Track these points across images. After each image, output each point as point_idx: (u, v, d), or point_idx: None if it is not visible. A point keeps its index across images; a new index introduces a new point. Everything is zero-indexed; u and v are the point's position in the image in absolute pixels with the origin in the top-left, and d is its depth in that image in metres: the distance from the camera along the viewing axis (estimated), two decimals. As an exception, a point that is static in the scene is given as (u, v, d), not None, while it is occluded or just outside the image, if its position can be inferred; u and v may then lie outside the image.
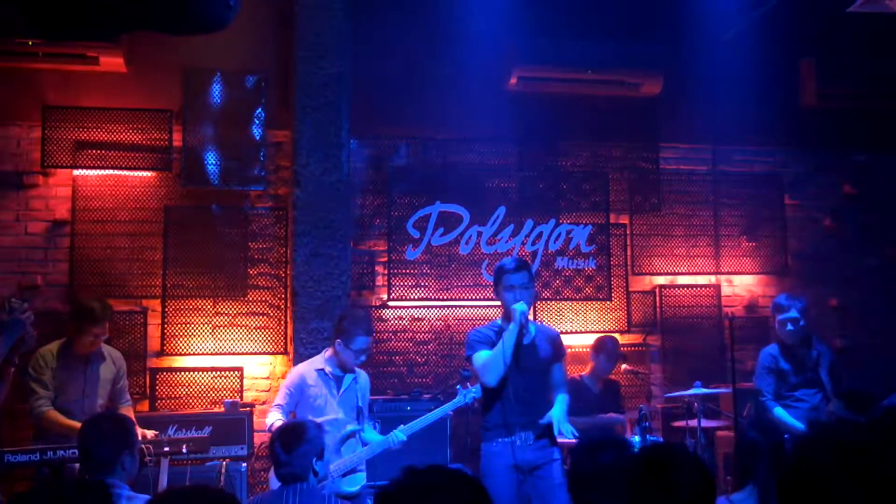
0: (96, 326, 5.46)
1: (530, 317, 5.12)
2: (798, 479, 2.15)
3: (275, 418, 5.22)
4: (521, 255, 7.41)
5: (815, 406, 5.89)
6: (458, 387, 5.55)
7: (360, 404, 5.36)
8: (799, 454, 2.21)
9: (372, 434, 5.51)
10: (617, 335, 7.43)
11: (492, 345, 4.85)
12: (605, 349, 6.71)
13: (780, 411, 5.92)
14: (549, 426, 4.86)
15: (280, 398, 5.33)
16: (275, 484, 5.05)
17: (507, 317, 4.92)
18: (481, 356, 4.83)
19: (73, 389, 5.45)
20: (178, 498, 2.20)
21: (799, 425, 5.77)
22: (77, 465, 5.04)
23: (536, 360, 4.94)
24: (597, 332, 7.29)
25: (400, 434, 5.30)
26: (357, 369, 5.45)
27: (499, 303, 7.33)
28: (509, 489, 4.71)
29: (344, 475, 5.20)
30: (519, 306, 4.79)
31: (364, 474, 5.37)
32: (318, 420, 5.13)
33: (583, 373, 6.78)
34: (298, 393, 5.29)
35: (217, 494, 2.23)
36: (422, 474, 1.98)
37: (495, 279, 4.95)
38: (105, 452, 3.43)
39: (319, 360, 5.40)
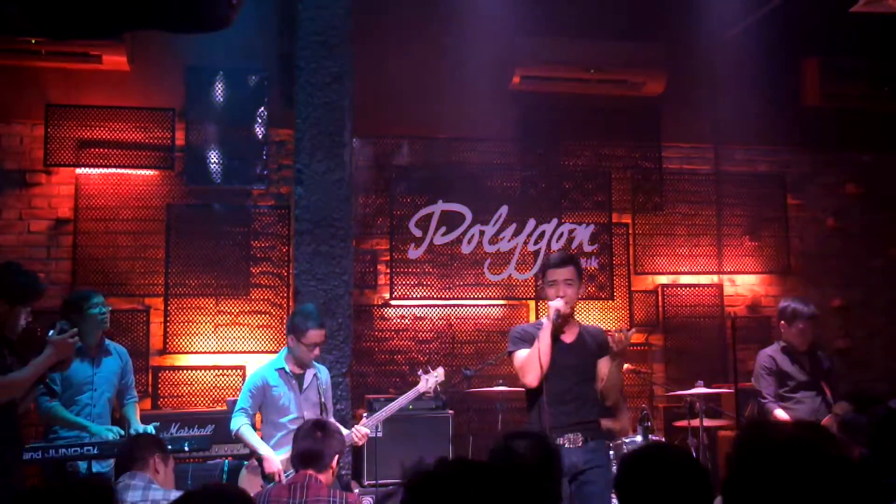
0: (95, 298, 5.48)
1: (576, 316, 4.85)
2: (739, 481, 2.13)
3: (241, 423, 5.18)
4: (523, 254, 7.42)
5: (815, 408, 5.87)
6: (419, 372, 5.55)
7: (322, 400, 5.31)
8: (737, 457, 2.19)
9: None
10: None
11: (533, 343, 4.59)
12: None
13: (779, 412, 5.89)
14: (599, 429, 4.69)
15: (242, 402, 5.26)
16: (248, 482, 5.07)
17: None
18: (520, 355, 4.60)
19: (82, 385, 5.47)
20: (198, 499, 2.19)
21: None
22: (79, 462, 5.07)
23: (581, 359, 4.64)
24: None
25: (361, 428, 5.30)
26: (317, 365, 5.43)
27: (500, 302, 7.44)
28: None
29: None
30: (554, 303, 4.52)
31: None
32: (283, 420, 5.15)
33: None
34: (261, 395, 5.24)
35: (233, 494, 2.22)
36: (450, 466, 1.93)
37: (542, 269, 4.74)
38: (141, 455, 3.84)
39: (278, 360, 5.36)
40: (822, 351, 6.18)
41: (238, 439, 5.25)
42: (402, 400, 5.44)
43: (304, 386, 5.30)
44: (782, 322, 6.03)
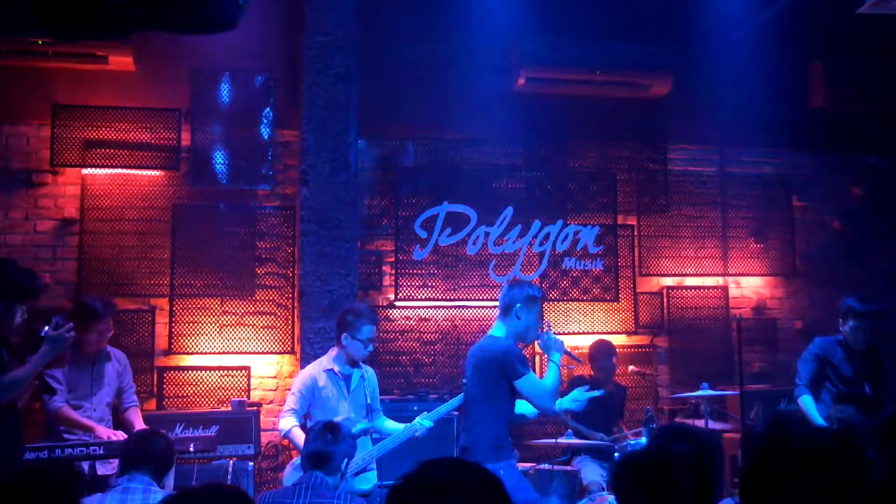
0: (100, 323, 5.50)
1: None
2: (758, 478, 2.13)
3: (291, 423, 5.19)
4: (528, 256, 7.42)
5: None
6: (461, 381, 5.57)
7: (369, 401, 5.39)
8: (760, 453, 2.19)
9: (390, 424, 5.54)
10: (624, 336, 7.43)
11: None
12: (591, 353, 6.70)
13: (805, 399, 5.92)
14: None
15: (292, 402, 5.29)
16: (290, 479, 5.09)
17: (521, 335, 4.87)
18: (540, 380, 4.77)
19: (82, 388, 5.50)
20: (193, 497, 2.18)
21: (818, 418, 5.75)
22: (84, 463, 5.08)
23: None
24: (604, 333, 7.27)
25: (426, 421, 5.33)
26: (363, 365, 5.47)
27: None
28: None
29: (356, 474, 5.21)
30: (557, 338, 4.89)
31: (375, 472, 5.39)
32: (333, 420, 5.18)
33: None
34: (310, 395, 5.27)
35: (231, 492, 2.22)
36: (435, 469, 1.88)
37: (528, 298, 4.81)
38: (153, 467, 3.77)
39: (327, 361, 5.39)
40: (879, 352, 6.21)
41: (288, 440, 5.27)
42: (455, 402, 5.44)
43: (352, 387, 5.34)
44: (840, 318, 6.10)
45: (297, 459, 5.22)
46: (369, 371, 5.52)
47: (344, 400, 5.29)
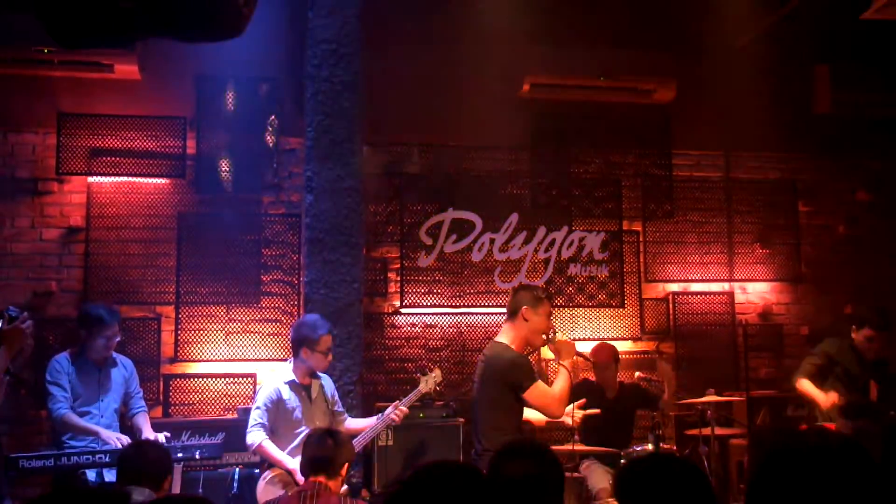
0: (107, 329, 5.49)
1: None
2: (766, 484, 2.13)
3: (262, 437, 5.11)
4: (533, 262, 7.42)
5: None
6: (417, 374, 5.69)
7: (332, 408, 5.38)
8: (768, 459, 2.19)
9: (359, 422, 5.56)
10: (630, 342, 7.41)
11: None
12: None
13: (805, 383, 5.96)
14: None
15: (259, 417, 5.18)
16: (266, 493, 5.06)
17: (529, 338, 4.83)
18: (548, 389, 4.71)
19: (89, 394, 5.49)
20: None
21: (819, 395, 5.80)
22: (87, 471, 5.09)
23: None
24: (609, 339, 7.25)
25: (403, 406, 5.41)
26: (319, 373, 5.45)
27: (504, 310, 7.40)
28: None
29: None
30: (567, 341, 4.84)
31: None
32: (295, 431, 5.18)
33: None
34: (275, 407, 5.21)
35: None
36: (431, 473, 1.95)
37: (535, 301, 4.79)
38: (149, 476, 3.68)
39: (287, 373, 5.33)
40: (889, 367, 6.24)
41: (260, 454, 5.20)
42: (412, 396, 5.54)
43: (313, 396, 5.32)
44: (853, 326, 6.14)
45: (268, 474, 5.18)
46: (324, 377, 5.48)
47: (308, 410, 5.26)
